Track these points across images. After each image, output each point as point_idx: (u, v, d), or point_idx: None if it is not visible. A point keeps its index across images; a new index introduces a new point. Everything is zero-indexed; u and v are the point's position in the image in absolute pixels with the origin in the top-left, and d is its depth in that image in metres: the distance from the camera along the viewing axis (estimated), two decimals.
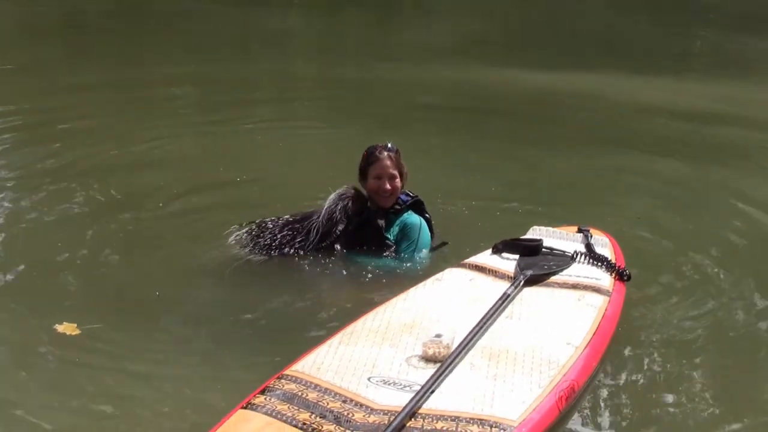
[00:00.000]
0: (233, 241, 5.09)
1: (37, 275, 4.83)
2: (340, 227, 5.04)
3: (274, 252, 5.05)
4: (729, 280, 5.30)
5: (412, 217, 5.18)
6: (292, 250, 5.04)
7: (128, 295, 4.69)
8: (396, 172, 5.10)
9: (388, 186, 5.07)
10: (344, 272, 4.99)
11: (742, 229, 6.12)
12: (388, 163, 5.07)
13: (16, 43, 11.33)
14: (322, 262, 5.01)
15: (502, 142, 7.93)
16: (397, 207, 5.18)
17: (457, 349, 3.71)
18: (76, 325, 4.22)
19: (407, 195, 5.23)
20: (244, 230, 5.16)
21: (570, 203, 6.43)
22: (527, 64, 11.16)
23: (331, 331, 4.01)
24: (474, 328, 3.89)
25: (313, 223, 5.04)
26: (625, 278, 4.70)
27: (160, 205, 5.89)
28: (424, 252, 5.16)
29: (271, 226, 5.16)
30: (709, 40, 14.50)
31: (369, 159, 5.11)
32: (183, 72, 9.89)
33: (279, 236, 5.07)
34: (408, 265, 5.08)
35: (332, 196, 5.10)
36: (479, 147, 7.79)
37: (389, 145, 5.14)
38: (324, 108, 9.08)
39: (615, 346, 4.39)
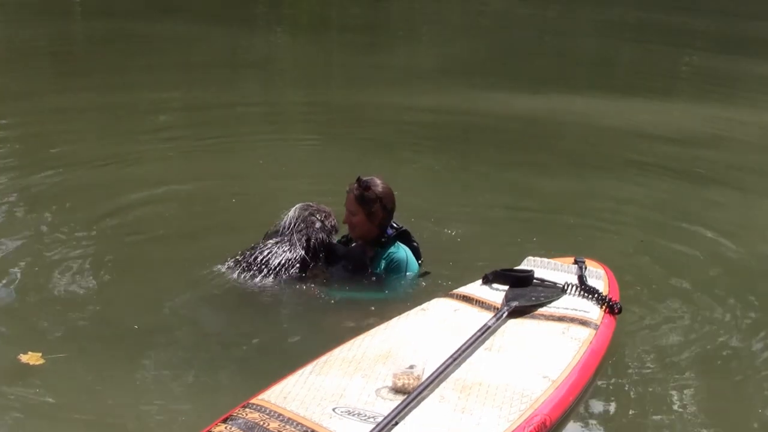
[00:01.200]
0: (224, 270, 5.06)
1: (15, 301, 4.83)
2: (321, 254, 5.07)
3: (265, 278, 5.03)
4: (719, 303, 5.28)
5: (399, 252, 5.17)
6: (280, 277, 5.03)
7: (100, 322, 4.67)
8: (355, 209, 5.08)
9: (344, 220, 5.13)
10: (330, 300, 4.95)
11: (731, 252, 6.10)
12: (349, 197, 5.09)
13: (4, 66, 11.40)
14: (307, 289, 4.99)
15: (492, 166, 7.92)
16: (383, 240, 5.16)
17: (426, 380, 3.66)
18: (40, 354, 4.19)
19: (393, 227, 5.20)
20: (233, 259, 5.13)
21: (563, 228, 6.38)
22: (515, 88, 11.15)
23: (309, 359, 3.97)
24: (447, 359, 3.83)
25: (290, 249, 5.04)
26: (616, 311, 4.61)
27: (145, 229, 5.89)
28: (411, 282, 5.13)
29: (259, 254, 5.11)
30: (696, 63, 14.52)
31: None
32: (170, 96, 9.91)
33: (265, 262, 5.06)
34: (394, 294, 5.04)
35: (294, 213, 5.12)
36: (469, 171, 7.80)
37: (365, 182, 5.10)
38: (311, 131, 9.11)
39: (605, 372, 4.36)
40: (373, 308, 4.86)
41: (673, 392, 4.49)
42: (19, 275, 5.02)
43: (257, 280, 5.01)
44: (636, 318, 5.01)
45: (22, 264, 5.14)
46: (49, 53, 12.81)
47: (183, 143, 8.06)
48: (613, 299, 4.67)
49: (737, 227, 6.52)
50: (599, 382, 4.38)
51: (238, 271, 5.06)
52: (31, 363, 4.14)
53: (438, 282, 5.10)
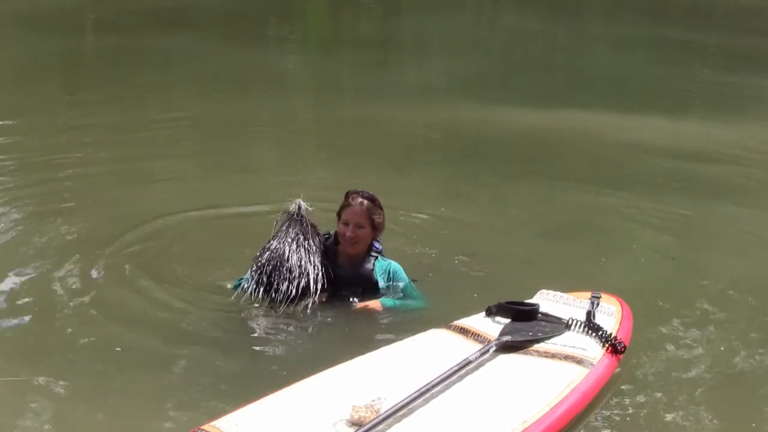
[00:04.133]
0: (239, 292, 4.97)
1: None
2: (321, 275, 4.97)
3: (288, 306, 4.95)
4: (733, 318, 5.22)
5: (391, 263, 5.13)
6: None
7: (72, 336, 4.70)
8: (364, 221, 4.99)
9: (349, 234, 4.99)
10: (328, 325, 4.88)
11: (744, 268, 6.02)
12: (358, 210, 4.98)
13: (15, 83, 11.59)
14: (310, 314, 4.92)
15: (504, 184, 7.84)
16: (373, 254, 5.09)
17: (383, 414, 3.54)
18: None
19: (377, 242, 5.15)
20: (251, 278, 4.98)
21: (581, 248, 6.34)
22: (526, 104, 11.02)
23: (282, 386, 3.90)
24: (412, 393, 3.71)
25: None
26: (620, 349, 4.41)
27: (151, 245, 5.89)
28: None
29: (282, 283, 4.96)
30: (707, 78, 14.23)
31: (344, 202, 5.05)
32: (182, 112, 9.99)
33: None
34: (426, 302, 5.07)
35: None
36: (482, 188, 7.69)
37: (367, 193, 5.05)
38: (323, 147, 9.15)
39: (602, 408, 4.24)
40: (371, 335, 4.76)
41: (684, 398, 4.45)
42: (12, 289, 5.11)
43: (281, 309, 4.90)
44: (647, 352, 4.85)
45: (16, 279, 5.23)
46: (61, 68, 13.08)
47: (193, 159, 8.15)
48: (619, 338, 4.45)
49: (753, 242, 6.50)
50: (594, 419, 4.19)
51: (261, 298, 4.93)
52: None
53: (444, 312, 4.96)
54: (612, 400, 4.36)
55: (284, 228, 5.05)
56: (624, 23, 19.18)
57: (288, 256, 4.95)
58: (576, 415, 3.97)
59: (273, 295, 4.93)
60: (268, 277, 4.93)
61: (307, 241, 5.00)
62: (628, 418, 4.27)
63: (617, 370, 4.47)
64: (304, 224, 5.05)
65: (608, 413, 4.25)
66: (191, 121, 9.72)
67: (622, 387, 4.47)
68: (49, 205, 6.64)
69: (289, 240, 4.98)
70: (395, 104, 10.68)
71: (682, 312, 5.30)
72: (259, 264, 4.97)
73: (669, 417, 4.31)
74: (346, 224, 5.00)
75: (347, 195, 5.06)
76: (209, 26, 16.67)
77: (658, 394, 4.47)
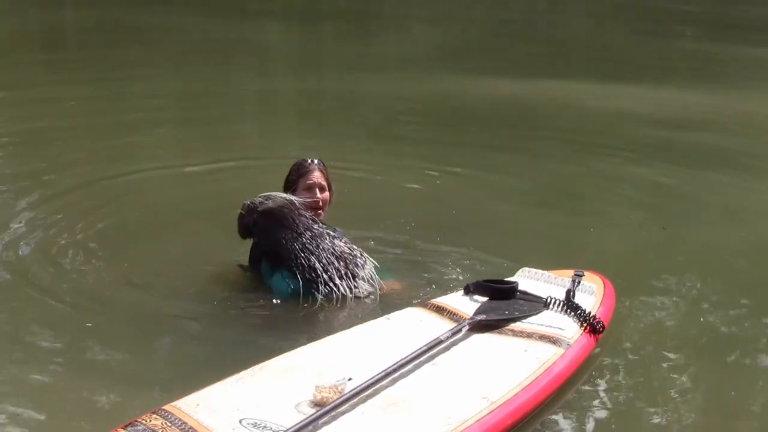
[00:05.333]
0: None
1: None
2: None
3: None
4: (716, 288, 5.24)
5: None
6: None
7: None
8: (325, 183, 4.99)
9: (319, 196, 4.93)
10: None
11: (731, 237, 6.03)
12: (318, 173, 4.97)
13: None
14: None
15: (487, 154, 7.85)
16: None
17: (346, 395, 3.48)
18: None
19: None
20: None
21: (564, 225, 6.27)
22: (507, 74, 11.06)
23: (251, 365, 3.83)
24: (378, 373, 3.64)
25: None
26: (598, 330, 4.32)
27: (132, 219, 5.89)
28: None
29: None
30: (690, 47, 14.34)
31: (299, 170, 4.99)
32: (164, 86, 9.98)
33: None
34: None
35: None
36: (464, 159, 7.66)
37: (317, 160, 5.04)
38: (305, 120, 9.08)
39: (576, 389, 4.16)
40: (347, 314, 4.69)
41: (668, 370, 4.42)
42: None
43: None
44: (631, 329, 4.80)
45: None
46: (40, 43, 13.01)
47: (177, 134, 8.11)
48: (599, 317, 4.37)
49: (738, 211, 6.54)
50: (571, 398, 4.12)
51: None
52: None
53: (425, 291, 4.90)
54: (590, 379, 4.28)
55: (291, 225, 4.80)
56: None
57: (330, 245, 4.79)
58: (549, 396, 3.89)
59: (353, 285, 4.78)
60: (340, 271, 4.75)
61: (316, 224, 4.86)
62: (605, 398, 4.19)
63: (597, 349, 4.40)
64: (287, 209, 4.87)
65: (585, 393, 4.17)
66: (172, 94, 9.73)
67: (601, 366, 4.40)
68: (27, 180, 6.61)
69: (303, 231, 4.77)
70: (376, 75, 10.71)
71: (669, 286, 5.25)
72: (313, 265, 4.71)
73: (647, 396, 4.22)
74: (310, 189, 4.92)
75: (297, 164, 5.01)
76: (190, 0, 16.54)
77: (639, 374, 4.40)
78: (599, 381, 4.28)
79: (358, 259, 4.81)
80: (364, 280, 4.82)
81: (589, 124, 9.01)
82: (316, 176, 4.98)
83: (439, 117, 9.20)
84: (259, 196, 4.88)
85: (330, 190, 5.05)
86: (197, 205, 6.16)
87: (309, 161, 5.03)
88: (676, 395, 4.20)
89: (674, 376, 4.38)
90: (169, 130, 8.30)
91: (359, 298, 4.76)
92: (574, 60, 12.85)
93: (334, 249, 4.78)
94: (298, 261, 4.70)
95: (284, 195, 4.88)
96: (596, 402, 4.13)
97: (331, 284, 4.71)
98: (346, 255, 4.81)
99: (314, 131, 8.43)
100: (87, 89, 9.74)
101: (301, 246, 4.73)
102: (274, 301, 4.68)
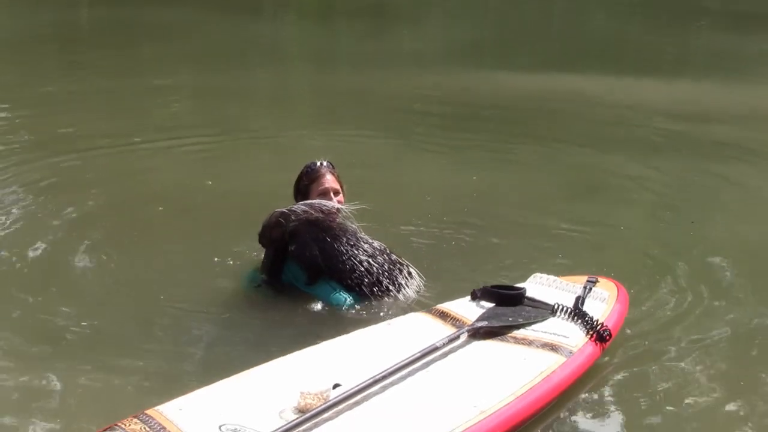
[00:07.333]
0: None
1: None
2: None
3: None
4: (734, 282, 5.14)
5: None
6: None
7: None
8: (338, 187, 4.92)
9: (335, 201, 4.86)
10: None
11: (745, 230, 5.93)
12: (330, 177, 4.90)
13: (10, 53, 11.59)
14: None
15: (503, 149, 7.78)
16: None
17: (331, 401, 3.41)
18: None
19: None
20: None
21: (581, 221, 6.14)
22: (523, 68, 10.99)
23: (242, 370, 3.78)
24: (367, 380, 3.57)
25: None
26: (605, 338, 4.19)
27: (145, 217, 5.88)
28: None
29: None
30: (705, 40, 14.15)
31: (310, 175, 4.91)
32: (178, 82, 9.98)
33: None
34: None
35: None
36: (480, 156, 7.60)
37: (326, 162, 4.96)
38: (320, 117, 9.02)
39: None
40: (349, 318, 4.62)
41: (685, 366, 4.34)
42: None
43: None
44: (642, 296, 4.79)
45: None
46: (56, 40, 13.09)
47: (191, 130, 8.07)
48: (607, 325, 4.24)
49: (752, 204, 6.46)
50: (572, 408, 4.00)
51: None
52: None
53: (433, 296, 4.80)
54: (595, 388, 4.15)
55: (343, 235, 4.78)
56: None
57: (367, 247, 4.78)
58: (546, 405, 3.78)
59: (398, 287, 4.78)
60: (384, 276, 4.75)
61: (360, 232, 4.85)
62: (610, 408, 4.07)
63: (605, 358, 4.27)
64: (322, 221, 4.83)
65: (588, 402, 4.05)
66: (187, 92, 9.76)
67: (608, 375, 4.26)
68: (44, 180, 6.62)
69: (357, 240, 4.79)
70: (391, 72, 10.69)
71: (688, 290, 5.03)
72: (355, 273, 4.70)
73: (656, 408, 4.09)
74: (324, 195, 4.85)
75: (307, 169, 4.93)
76: None
77: (649, 385, 4.24)
78: (604, 390, 4.15)
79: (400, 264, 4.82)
80: (407, 281, 4.80)
81: (605, 118, 8.85)
82: (329, 180, 4.91)
83: (452, 113, 9.11)
84: (297, 206, 4.77)
85: (342, 191, 4.98)
86: (209, 206, 6.15)
87: (318, 164, 4.94)
88: (685, 410, 4.03)
89: (685, 388, 4.20)
90: (184, 127, 8.27)
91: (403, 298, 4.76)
92: (589, 54, 12.75)
93: (385, 254, 4.79)
94: (355, 272, 4.69)
95: (325, 202, 4.80)
96: (599, 412, 4.02)
97: (392, 287, 4.73)
98: (393, 259, 4.81)
99: (329, 128, 8.36)
100: (101, 85, 9.82)
101: (355, 254, 4.72)
102: (274, 303, 4.66)
